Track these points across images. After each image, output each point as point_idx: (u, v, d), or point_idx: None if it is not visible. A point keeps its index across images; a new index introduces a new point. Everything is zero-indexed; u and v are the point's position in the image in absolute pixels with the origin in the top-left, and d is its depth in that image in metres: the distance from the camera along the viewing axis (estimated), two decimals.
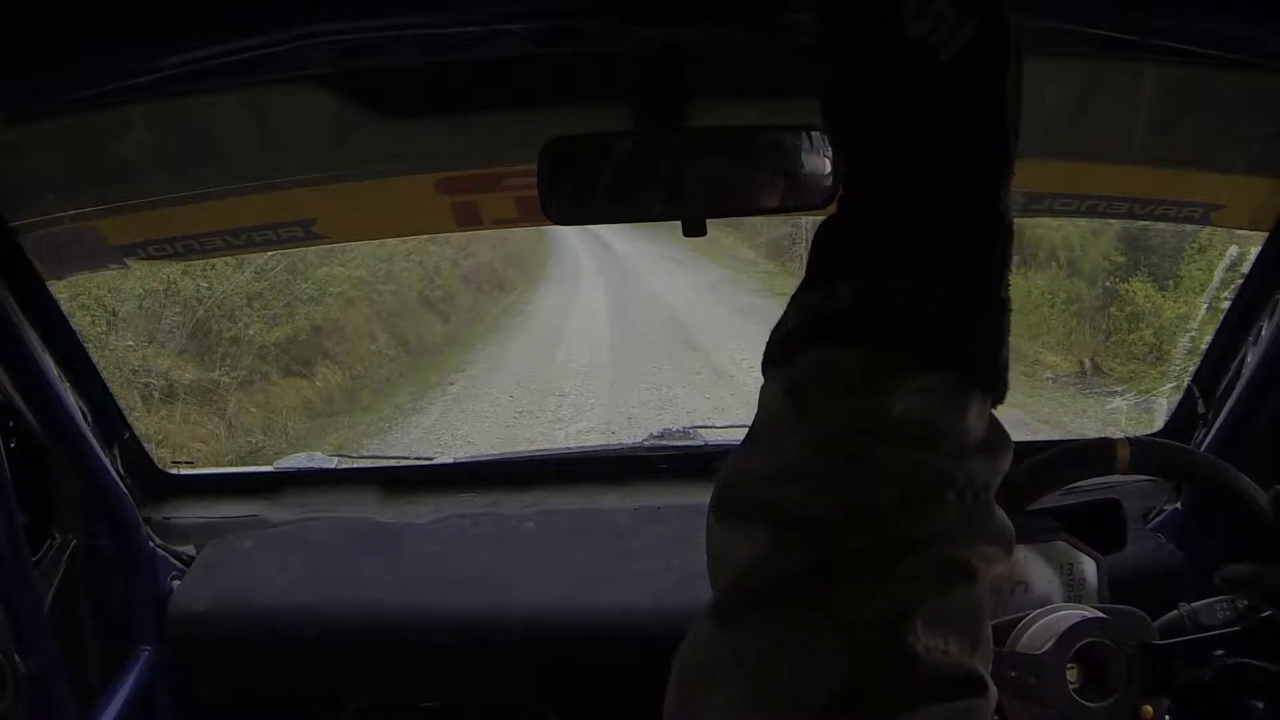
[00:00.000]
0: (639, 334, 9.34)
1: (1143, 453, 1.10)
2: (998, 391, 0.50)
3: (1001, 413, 0.52)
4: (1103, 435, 1.11)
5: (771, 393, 0.51)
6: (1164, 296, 7.32)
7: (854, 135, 0.51)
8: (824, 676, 0.44)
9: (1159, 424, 1.75)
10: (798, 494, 0.47)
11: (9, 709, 1.15)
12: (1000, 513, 0.50)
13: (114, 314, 6.36)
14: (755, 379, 0.53)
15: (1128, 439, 1.10)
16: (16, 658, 1.17)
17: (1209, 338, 1.61)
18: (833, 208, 0.53)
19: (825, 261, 0.51)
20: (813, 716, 0.44)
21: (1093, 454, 1.10)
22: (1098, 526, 1.14)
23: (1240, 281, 1.51)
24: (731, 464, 0.51)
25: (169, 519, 1.66)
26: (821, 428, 0.48)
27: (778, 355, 0.51)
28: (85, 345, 1.48)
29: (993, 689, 0.47)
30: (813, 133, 1.13)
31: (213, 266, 6.72)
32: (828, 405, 0.49)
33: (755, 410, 0.52)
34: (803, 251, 10.98)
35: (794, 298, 0.52)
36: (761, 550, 0.47)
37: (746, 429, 0.52)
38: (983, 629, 0.48)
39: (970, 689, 0.46)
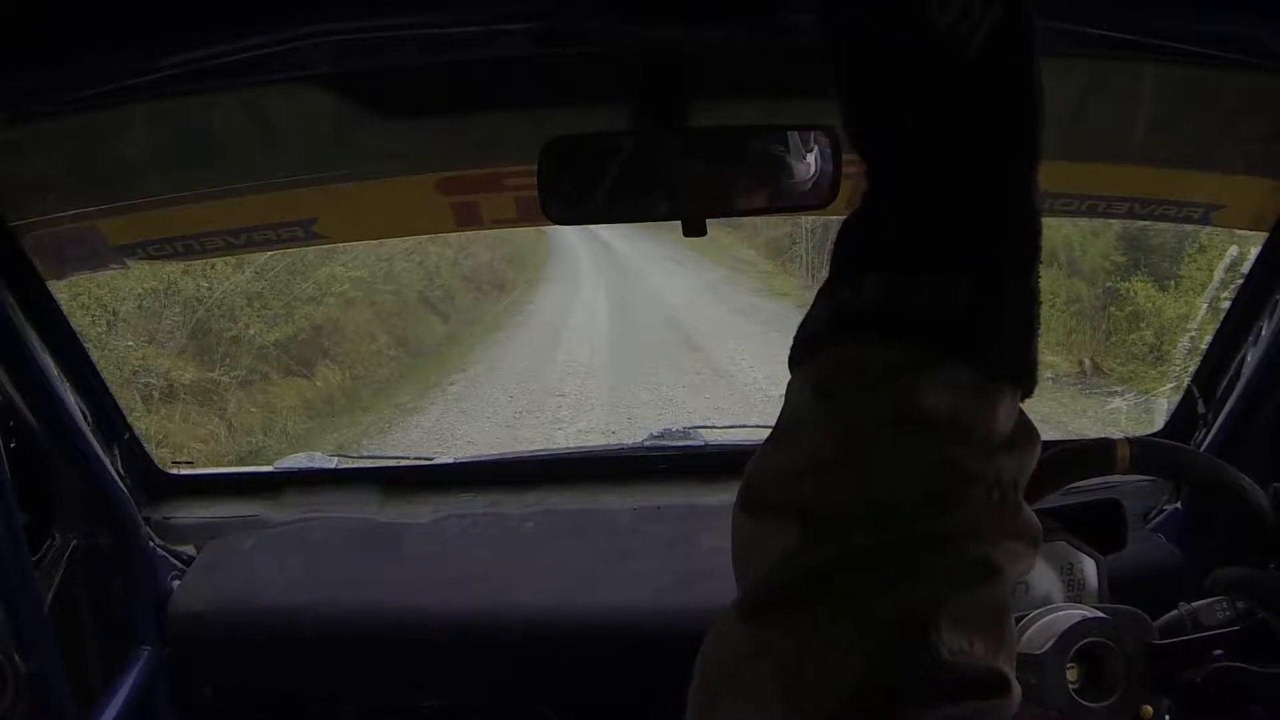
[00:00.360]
0: (639, 334, 9.34)
1: (1143, 453, 1.10)
2: (1027, 387, 0.50)
3: None
4: (1102, 435, 1.11)
5: (798, 389, 0.51)
6: (1164, 296, 7.32)
7: (878, 129, 0.50)
8: (847, 674, 0.44)
9: (1159, 424, 1.75)
10: (825, 489, 0.47)
11: (9, 709, 1.15)
12: (1027, 509, 0.50)
13: (114, 314, 6.36)
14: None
15: (1128, 439, 1.09)
16: (16, 658, 1.17)
17: (1209, 338, 1.61)
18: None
19: (851, 257, 0.51)
20: (835, 713, 0.44)
21: (1093, 454, 1.10)
22: (1098, 526, 1.15)
23: (1240, 281, 1.51)
24: (758, 459, 0.51)
25: (169, 519, 1.66)
26: (849, 423, 0.48)
27: (804, 352, 0.51)
28: (85, 345, 1.47)
29: (1016, 688, 0.47)
30: (813, 133, 1.13)
31: (213, 266, 6.73)
32: (855, 401, 0.48)
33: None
34: (803, 251, 10.99)
35: (819, 294, 0.51)
36: (789, 546, 0.47)
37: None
38: (1006, 627, 0.48)
39: (993, 689, 0.46)
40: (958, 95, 0.48)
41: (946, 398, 0.47)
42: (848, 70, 0.50)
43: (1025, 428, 0.50)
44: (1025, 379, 0.49)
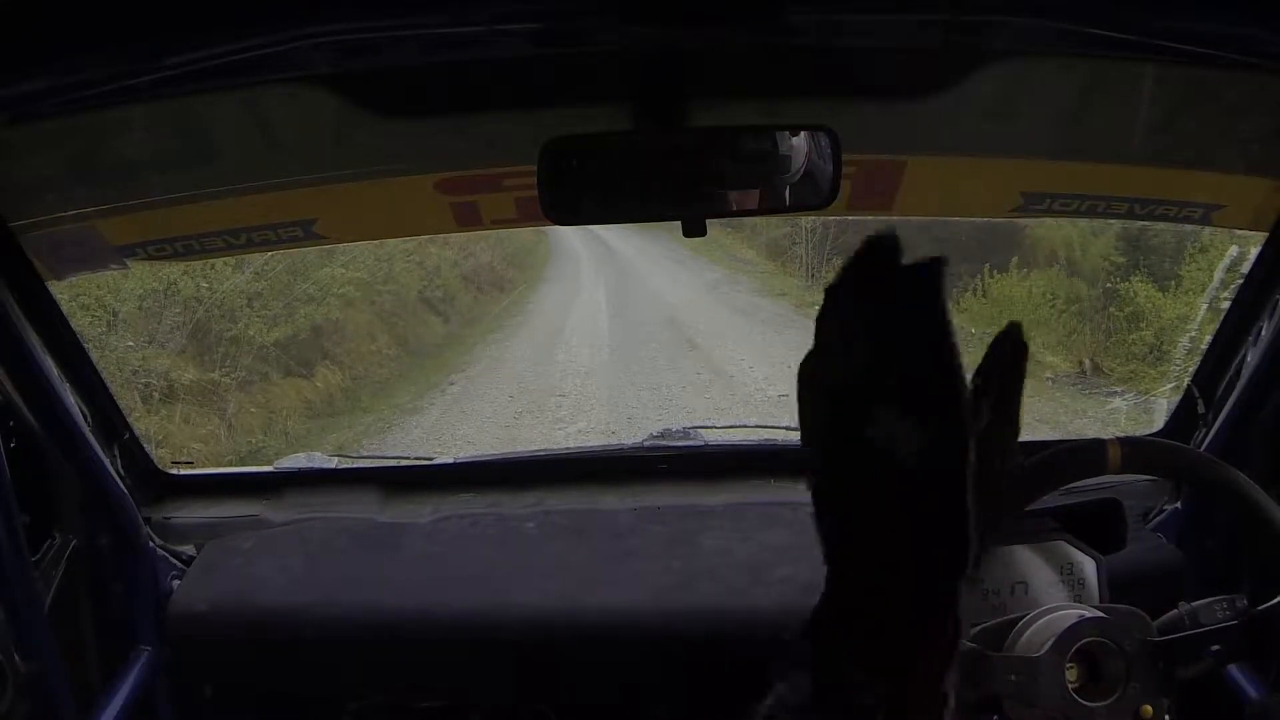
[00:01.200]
0: (639, 334, 9.34)
1: (1133, 452, 1.10)
2: None
3: None
4: (1100, 436, 1.12)
5: None
6: (1164, 296, 7.33)
7: (826, 541, 0.57)
8: None
9: (1159, 424, 1.75)
10: None
11: (9, 709, 1.15)
12: None
13: (114, 314, 6.37)
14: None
15: (1118, 439, 1.10)
16: (16, 658, 1.17)
17: (1209, 338, 1.61)
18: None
19: (800, 649, 0.56)
20: None
21: (1084, 455, 1.11)
22: (1097, 526, 1.15)
23: (1240, 281, 1.51)
24: None
25: (169, 519, 1.66)
26: None
27: None
28: (85, 345, 1.47)
29: None
30: (812, 133, 1.13)
31: (213, 266, 6.72)
32: None
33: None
34: (803, 252, 10.98)
35: (775, 670, 0.57)
36: None
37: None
38: None
39: None
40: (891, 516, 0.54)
41: None
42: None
43: None
44: None
